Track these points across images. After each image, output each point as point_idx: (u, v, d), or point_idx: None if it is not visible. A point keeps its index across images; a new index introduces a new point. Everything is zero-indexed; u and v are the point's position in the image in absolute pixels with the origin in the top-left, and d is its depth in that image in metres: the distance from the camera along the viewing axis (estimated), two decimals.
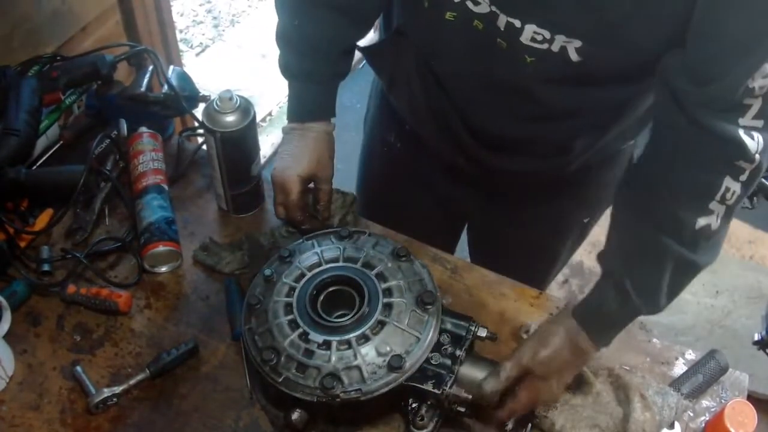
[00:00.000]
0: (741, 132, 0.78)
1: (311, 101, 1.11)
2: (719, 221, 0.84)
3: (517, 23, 0.85)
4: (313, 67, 1.08)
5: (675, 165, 0.84)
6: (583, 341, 0.91)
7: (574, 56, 0.85)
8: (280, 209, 1.13)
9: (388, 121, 1.28)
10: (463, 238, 1.49)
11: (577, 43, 0.84)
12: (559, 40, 0.84)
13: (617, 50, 0.84)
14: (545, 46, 0.86)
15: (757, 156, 0.79)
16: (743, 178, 0.81)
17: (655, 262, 0.87)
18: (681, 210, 0.84)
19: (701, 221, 0.83)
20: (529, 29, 0.85)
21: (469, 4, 0.88)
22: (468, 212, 1.38)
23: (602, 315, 0.91)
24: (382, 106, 1.30)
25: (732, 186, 0.81)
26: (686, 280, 0.90)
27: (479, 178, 1.19)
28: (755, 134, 0.79)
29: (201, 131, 1.22)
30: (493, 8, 0.86)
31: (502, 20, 0.86)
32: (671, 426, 0.97)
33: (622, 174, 1.17)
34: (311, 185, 1.13)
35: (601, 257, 0.93)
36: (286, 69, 1.10)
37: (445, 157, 1.19)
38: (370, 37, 1.14)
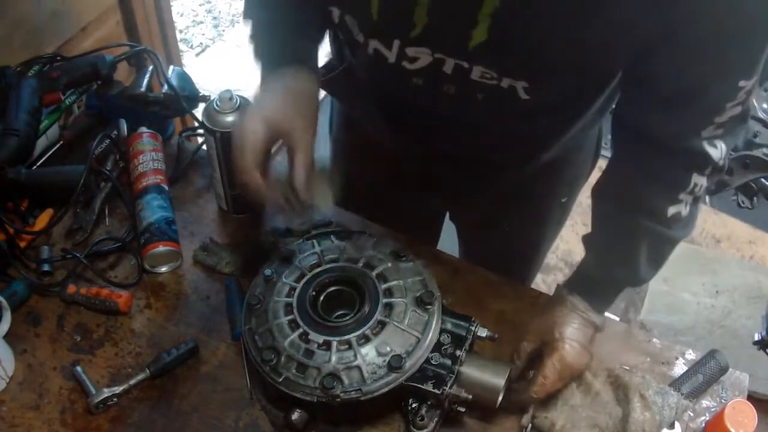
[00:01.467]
0: (705, 144, 0.84)
1: (287, 44, 0.96)
2: (688, 208, 0.91)
3: (465, 65, 0.86)
4: (286, 14, 0.97)
5: (642, 177, 0.90)
6: (580, 303, 0.97)
7: (522, 95, 0.87)
8: (240, 176, 0.87)
9: (357, 148, 1.27)
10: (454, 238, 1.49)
11: (524, 83, 0.86)
12: (507, 80, 0.86)
13: (563, 87, 0.88)
14: (494, 82, 0.87)
15: (721, 162, 0.87)
16: (707, 171, 0.88)
17: (629, 235, 0.94)
18: (653, 200, 0.90)
19: (672, 209, 0.90)
20: (477, 69, 0.86)
21: (405, 64, 0.89)
22: (442, 211, 1.41)
23: (588, 284, 0.98)
24: (348, 136, 1.30)
25: (699, 181, 0.88)
26: (666, 252, 0.97)
27: (450, 182, 1.21)
28: (717, 142, 0.85)
29: (201, 131, 1.23)
30: (438, 55, 0.86)
31: (449, 64, 0.87)
32: (671, 426, 0.97)
33: (592, 149, 1.23)
34: (278, 151, 0.92)
35: (585, 238, 1.01)
36: (254, 18, 0.99)
37: (413, 166, 1.19)
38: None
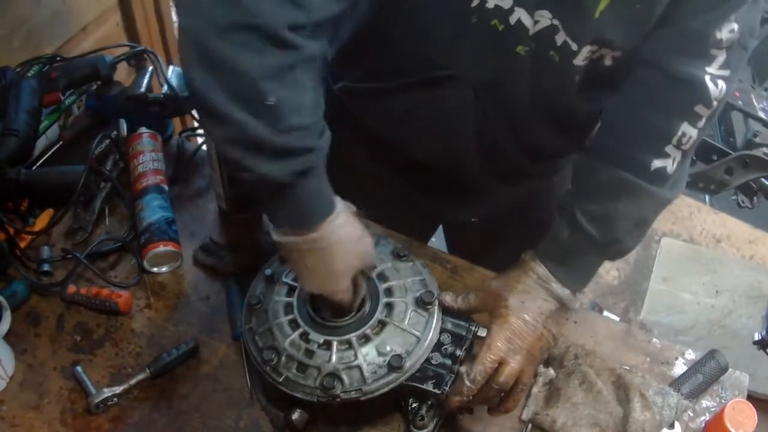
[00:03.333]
0: (707, 78, 0.83)
1: (324, 184, 0.84)
2: (675, 165, 0.87)
3: (574, 46, 0.85)
4: (307, 140, 0.79)
5: (634, 109, 0.88)
6: (541, 269, 0.91)
7: (608, 62, 0.88)
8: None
9: (356, 139, 1.19)
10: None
11: (617, 53, 0.87)
12: (606, 52, 0.87)
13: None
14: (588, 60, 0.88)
15: (715, 103, 0.84)
16: (700, 124, 0.85)
17: (606, 190, 0.89)
18: (637, 151, 0.87)
19: (657, 163, 0.86)
20: (585, 50, 0.86)
21: (526, 21, 0.85)
22: (443, 218, 1.37)
23: (559, 251, 0.91)
24: (347, 127, 1.21)
25: (688, 131, 0.85)
26: (648, 213, 0.91)
27: (480, 187, 1.18)
28: (720, 82, 0.84)
29: (201, 131, 1.23)
30: (555, 21, 0.84)
31: (560, 37, 0.85)
32: (671, 426, 0.97)
33: None
34: None
35: (559, 200, 0.94)
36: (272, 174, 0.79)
37: (450, 172, 1.14)
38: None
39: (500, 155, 1.08)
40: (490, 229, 1.32)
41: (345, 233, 0.85)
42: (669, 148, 0.86)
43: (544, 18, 0.84)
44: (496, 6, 0.84)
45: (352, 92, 1.10)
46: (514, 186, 1.19)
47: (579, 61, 0.87)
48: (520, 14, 0.84)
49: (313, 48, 0.76)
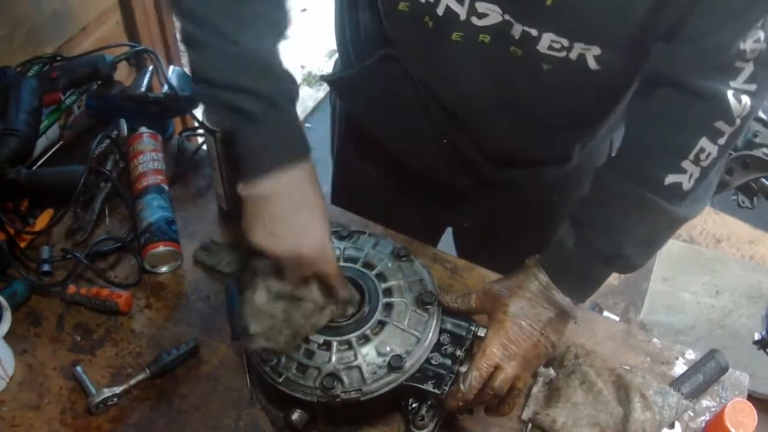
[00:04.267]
0: (730, 93, 0.78)
1: (285, 130, 0.85)
2: (692, 182, 0.83)
3: (534, 32, 0.83)
4: (269, 83, 0.83)
5: (651, 125, 0.84)
6: (543, 277, 0.89)
7: (592, 64, 0.85)
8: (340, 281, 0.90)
9: (362, 152, 1.23)
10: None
11: (596, 51, 0.83)
12: (578, 47, 0.83)
13: (634, 52, 0.84)
14: (563, 54, 0.84)
15: (738, 120, 0.80)
16: (721, 141, 0.81)
17: (616, 203, 0.86)
18: (651, 166, 0.83)
19: (671, 178, 0.82)
20: (547, 38, 0.83)
21: (474, 20, 0.85)
22: (452, 222, 1.37)
23: (562, 255, 0.89)
24: (354, 139, 1.25)
25: (708, 147, 0.81)
26: (659, 230, 0.88)
27: (474, 193, 1.18)
28: (744, 98, 0.79)
29: (201, 131, 1.22)
30: (507, 17, 0.83)
31: (517, 29, 0.84)
32: (671, 426, 0.97)
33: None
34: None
35: (569, 211, 0.92)
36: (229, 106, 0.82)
37: (440, 178, 1.15)
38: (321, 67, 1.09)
39: (460, 158, 1.06)
40: (489, 235, 1.32)
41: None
42: (685, 164, 0.81)
43: (494, 13, 0.83)
44: (426, 1, 0.84)
45: (335, 84, 1.12)
46: (499, 193, 1.18)
47: (543, 48, 0.84)
48: (447, 2, 0.84)
49: None
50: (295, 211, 0.85)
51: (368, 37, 1.01)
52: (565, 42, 0.83)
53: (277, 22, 0.86)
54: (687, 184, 0.82)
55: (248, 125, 0.82)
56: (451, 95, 0.98)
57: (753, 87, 0.79)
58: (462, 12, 0.85)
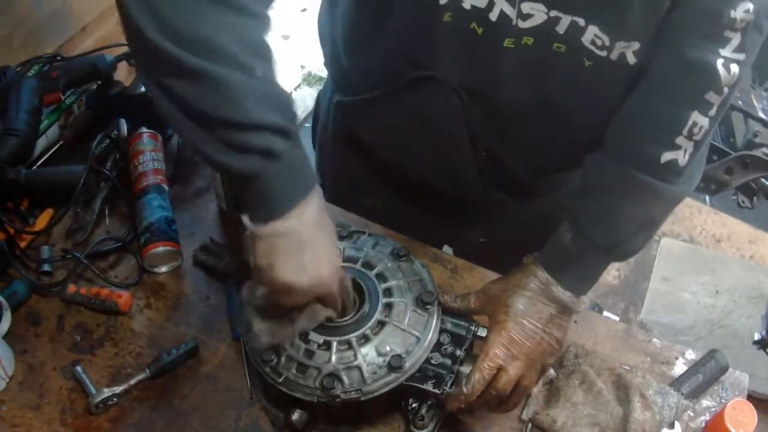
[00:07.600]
0: (719, 63, 0.79)
1: (301, 162, 0.79)
2: (687, 157, 0.83)
3: (581, 22, 0.82)
4: (290, 116, 0.76)
5: (643, 100, 0.84)
6: (543, 274, 0.89)
7: (631, 59, 0.85)
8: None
9: (363, 169, 1.19)
10: None
11: (635, 46, 0.83)
12: (619, 47, 0.83)
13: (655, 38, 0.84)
14: (604, 53, 0.84)
15: (726, 89, 0.80)
16: (711, 113, 0.81)
17: (611, 190, 0.86)
18: (646, 144, 0.83)
19: (667, 155, 0.82)
20: (591, 30, 0.82)
21: (520, 23, 0.83)
22: (447, 238, 1.32)
23: (563, 254, 0.89)
24: (357, 172, 1.20)
25: (699, 121, 0.81)
26: (656, 211, 0.88)
27: (487, 208, 1.16)
28: (733, 66, 0.79)
29: None
30: (553, 13, 0.82)
31: (564, 23, 0.83)
32: (671, 426, 0.97)
33: None
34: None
35: (563, 201, 0.92)
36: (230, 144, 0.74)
37: (456, 192, 1.13)
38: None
39: (497, 167, 1.05)
40: (498, 249, 1.26)
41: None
42: (680, 140, 0.82)
43: (539, 12, 0.82)
44: (473, 7, 0.83)
45: (346, 107, 1.09)
46: (522, 204, 1.15)
47: (587, 41, 0.83)
48: (501, 5, 0.82)
49: None
50: (315, 238, 0.81)
51: (385, 71, 0.97)
52: (607, 40, 0.83)
53: (270, 47, 0.76)
54: (683, 159, 0.83)
55: (269, 164, 0.74)
56: (495, 102, 0.95)
57: (742, 56, 0.80)
58: (513, 15, 0.83)
